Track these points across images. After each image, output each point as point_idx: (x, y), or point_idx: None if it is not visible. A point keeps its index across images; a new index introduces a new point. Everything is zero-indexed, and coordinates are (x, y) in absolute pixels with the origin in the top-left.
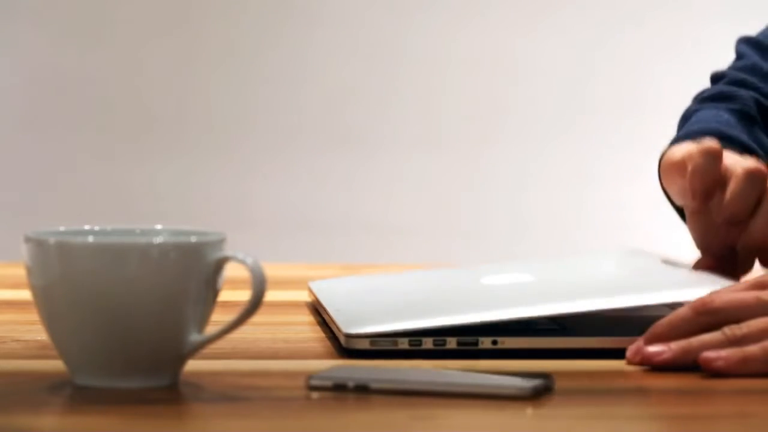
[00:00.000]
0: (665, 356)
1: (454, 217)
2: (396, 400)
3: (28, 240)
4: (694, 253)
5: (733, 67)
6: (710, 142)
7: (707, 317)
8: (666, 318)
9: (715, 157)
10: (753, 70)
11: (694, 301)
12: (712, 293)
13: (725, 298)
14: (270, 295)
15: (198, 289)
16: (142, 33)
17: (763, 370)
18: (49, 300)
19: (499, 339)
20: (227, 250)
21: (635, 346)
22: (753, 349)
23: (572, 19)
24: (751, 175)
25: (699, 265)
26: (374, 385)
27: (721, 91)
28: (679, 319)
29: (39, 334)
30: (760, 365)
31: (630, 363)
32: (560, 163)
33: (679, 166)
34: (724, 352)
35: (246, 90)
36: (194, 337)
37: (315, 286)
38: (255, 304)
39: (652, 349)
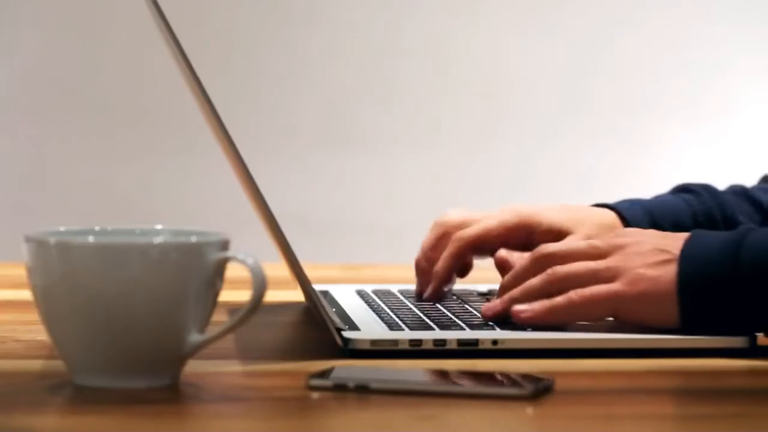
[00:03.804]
0: (498, 310)
1: None
2: (396, 400)
3: (28, 240)
4: None
5: None
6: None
7: (558, 285)
8: (510, 274)
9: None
10: None
11: (537, 254)
12: (551, 245)
13: (573, 270)
14: (270, 295)
15: (198, 289)
16: (141, 32)
17: (568, 318)
18: (50, 300)
19: (499, 339)
20: (229, 251)
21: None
22: (559, 299)
23: (570, 20)
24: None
25: None
26: (374, 385)
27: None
28: (524, 272)
29: (39, 334)
30: (565, 315)
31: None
32: (560, 164)
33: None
34: (536, 305)
35: (245, 90)
36: (194, 337)
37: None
38: (255, 304)
39: (489, 309)
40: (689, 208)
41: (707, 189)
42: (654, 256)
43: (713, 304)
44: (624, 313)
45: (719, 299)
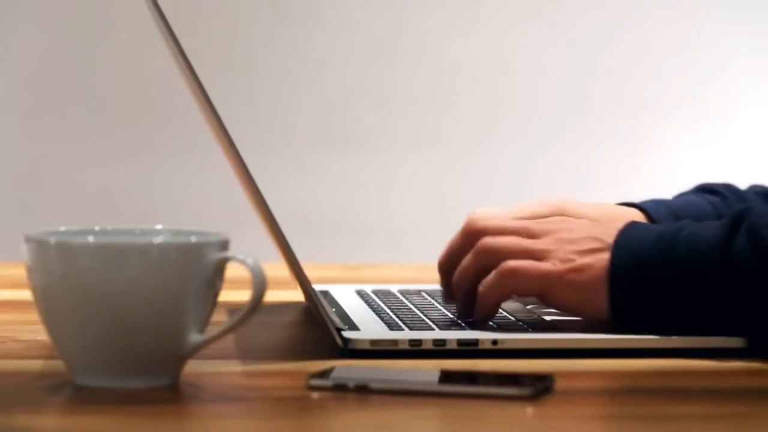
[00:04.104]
0: (459, 307)
1: (454, 217)
2: (396, 400)
3: (28, 240)
4: None
5: None
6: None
7: (487, 258)
8: (445, 252)
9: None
10: None
11: (467, 229)
12: (481, 219)
13: (503, 242)
14: (270, 295)
15: (198, 289)
16: (141, 32)
17: (501, 294)
18: (50, 300)
19: (499, 339)
20: (229, 251)
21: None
22: (489, 278)
23: (570, 20)
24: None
25: None
26: (374, 385)
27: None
28: (458, 250)
29: (39, 334)
30: (497, 290)
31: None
32: (560, 164)
33: None
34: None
35: (245, 90)
36: (194, 337)
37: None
38: (255, 304)
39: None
40: (715, 210)
41: (731, 189)
42: (586, 243)
43: (643, 297)
44: (553, 295)
45: (650, 293)
